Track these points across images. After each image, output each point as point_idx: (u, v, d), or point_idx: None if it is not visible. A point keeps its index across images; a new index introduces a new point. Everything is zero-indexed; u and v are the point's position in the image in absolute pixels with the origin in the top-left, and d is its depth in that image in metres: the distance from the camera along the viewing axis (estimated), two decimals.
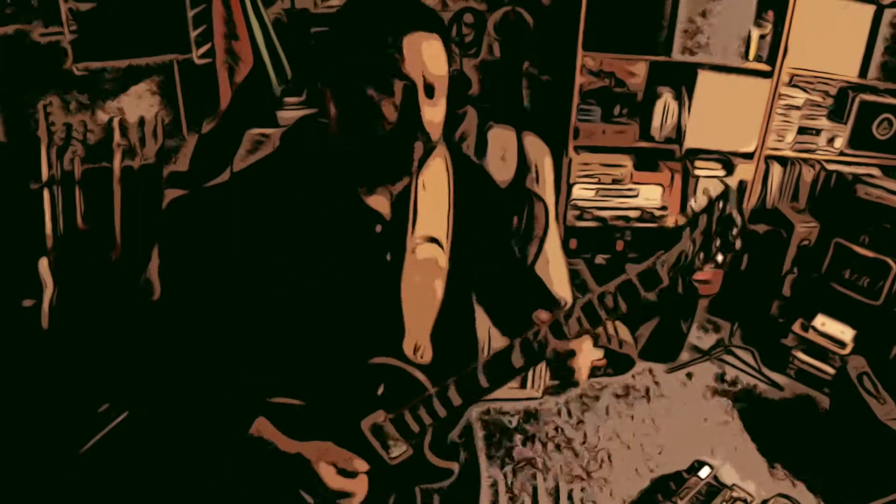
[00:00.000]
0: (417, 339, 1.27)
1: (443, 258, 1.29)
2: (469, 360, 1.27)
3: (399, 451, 1.22)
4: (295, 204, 1.21)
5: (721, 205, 1.09)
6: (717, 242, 1.10)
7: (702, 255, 1.11)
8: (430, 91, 1.14)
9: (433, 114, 1.16)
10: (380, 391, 1.23)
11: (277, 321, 1.23)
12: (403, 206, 1.25)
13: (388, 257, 1.25)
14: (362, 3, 1.18)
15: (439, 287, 1.29)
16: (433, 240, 1.27)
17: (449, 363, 1.25)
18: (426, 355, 1.27)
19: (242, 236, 1.20)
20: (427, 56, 1.12)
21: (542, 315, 1.21)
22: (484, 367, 1.18)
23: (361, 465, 1.18)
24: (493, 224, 1.43)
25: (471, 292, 1.42)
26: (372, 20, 1.13)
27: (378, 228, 1.24)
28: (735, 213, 1.09)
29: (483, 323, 1.47)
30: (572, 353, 1.19)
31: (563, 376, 1.21)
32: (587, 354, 1.21)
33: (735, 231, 1.10)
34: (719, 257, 1.11)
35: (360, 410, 1.22)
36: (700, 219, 1.10)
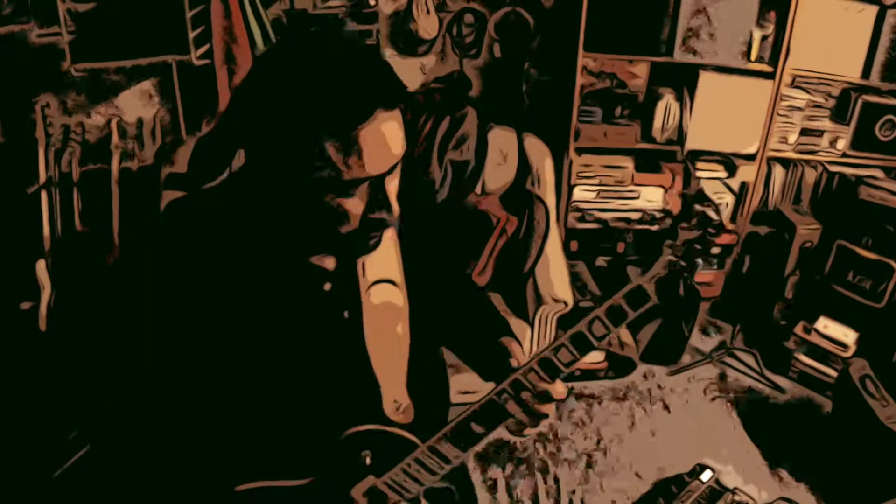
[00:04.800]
0: (395, 396, 1.17)
1: (400, 297, 1.17)
2: (443, 404, 1.21)
3: None
4: (238, 257, 1.07)
5: (697, 207, 1.06)
6: (697, 245, 1.04)
7: (685, 263, 1.04)
8: (391, 170, 0.99)
9: (394, 186, 1.01)
10: (367, 461, 1.14)
11: (246, 378, 1.10)
12: (347, 255, 1.13)
13: (346, 315, 1.13)
14: (297, 90, 0.92)
15: (403, 332, 1.18)
16: (387, 280, 1.16)
17: (427, 411, 1.18)
18: (408, 413, 1.17)
19: (239, 249, 1.09)
20: (390, 142, 0.95)
21: (511, 344, 1.16)
22: (476, 416, 1.09)
23: None
24: (441, 249, 1.32)
25: (434, 331, 1.28)
26: (316, 114, 0.91)
27: (327, 286, 1.12)
28: (711, 212, 1.06)
29: None
30: (549, 397, 1.09)
31: (534, 415, 1.11)
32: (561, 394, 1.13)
33: (713, 230, 1.05)
34: (698, 260, 1.05)
35: (350, 480, 1.15)
36: (679, 228, 1.06)
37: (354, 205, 0.98)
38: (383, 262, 1.15)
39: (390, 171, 0.98)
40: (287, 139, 0.93)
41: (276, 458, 1.14)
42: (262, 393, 1.11)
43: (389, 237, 1.15)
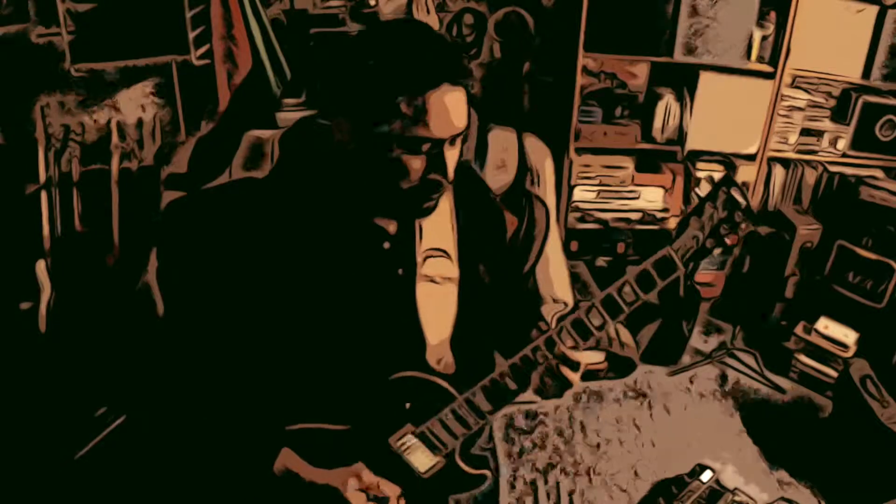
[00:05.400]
0: (438, 350, 1.26)
1: (453, 268, 1.28)
2: (488, 366, 1.25)
3: (431, 463, 1.21)
4: (299, 219, 1.18)
5: (725, 189, 1.14)
6: (725, 226, 1.15)
7: (711, 240, 1.16)
8: (452, 140, 1.12)
9: (452, 156, 1.14)
10: (407, 406, 1.22)
11: (288, 337, 1.19)
12: (408, 220, 1.24)
13: (400, 272, 1.24)
14: (383, 54, 1.09)
15: (453, 296, 1.28)
16: (441, 251, 1.27)
17: (470, 371, 1.24)
18: (449, 366, 1.26)
19: (244, 246, 1.16)
20: (453, 112, 1.09)
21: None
22: (510, 371, 1.19)
23: (391, 489, 1.17)
24: (490, 231, 1.41)
25: (483, 301, 1.37)
26: (395, 75, 1.06)
27: (386, 245, 1.23)
28: (738, 196, 1.14)
29: None
30: (576, 365, 1.19)
31: (560, 381, 1.21)
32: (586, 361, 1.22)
33: (740, 213, 1.14)
34: (727, 240, 1.15)
35: (389, 428, 1.21)
36: (706, 205, 1.16)
37: (416, 162, 1.10)
38: (439, 232, 1.27)
39: (451, 142, 1.11)
40: (369, 96, 1.08)
41: (323, 401, 1.20)
42: (312, 340, 1.19)
43: (447, 209, 1.27)
